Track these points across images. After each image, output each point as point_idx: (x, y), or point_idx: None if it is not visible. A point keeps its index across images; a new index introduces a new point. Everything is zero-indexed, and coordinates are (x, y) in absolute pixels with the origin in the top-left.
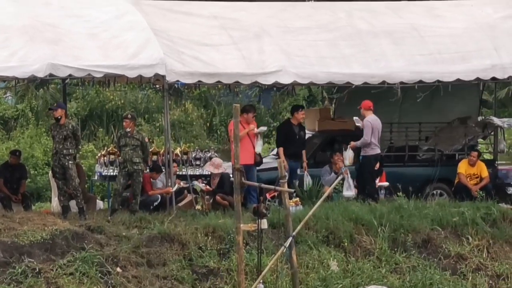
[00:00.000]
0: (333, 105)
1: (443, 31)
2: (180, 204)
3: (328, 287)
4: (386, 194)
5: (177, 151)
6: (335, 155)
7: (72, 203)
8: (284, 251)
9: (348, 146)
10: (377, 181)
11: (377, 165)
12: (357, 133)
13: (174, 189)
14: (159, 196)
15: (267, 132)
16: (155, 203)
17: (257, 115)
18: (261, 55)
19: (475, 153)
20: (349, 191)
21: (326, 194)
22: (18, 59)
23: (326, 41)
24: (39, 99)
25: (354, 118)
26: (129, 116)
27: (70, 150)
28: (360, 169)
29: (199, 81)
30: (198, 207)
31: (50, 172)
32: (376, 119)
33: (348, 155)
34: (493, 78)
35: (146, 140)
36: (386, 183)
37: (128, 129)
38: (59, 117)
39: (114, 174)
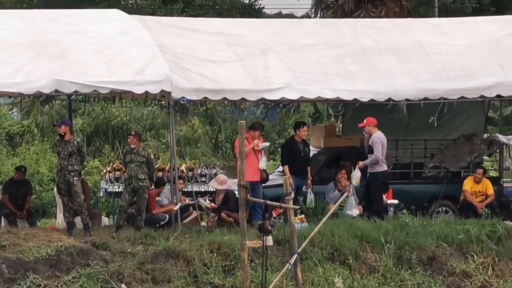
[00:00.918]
0: (339, 122)
1: (448, 49)
2: (185, 221)
3: None
4: (395, 211)
5: (183, 167)
6: (339, 173)
7: (77, 220)
8: (289, 268)
9: (357, 166)
10: (385, 198)
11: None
12: (363, 150)
13: (177, 207)
14: (167, 216)
15: (272, 148)
16: (162, 222)
17: (264, 132)
18: (266, 72)
19: (480, 171)
20: (352, 210)
21: (331, 212)
22: (24, 75)
23: (331, 58)
24: (45, 115)
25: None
26: (133, 132)
27: (75, 167)
28: (368, 186)
29: (205, 97)
30: (203, 223)
31: (55, 188)
32: (383, 135)
33: (356, 175)
34: (498, 96)
35: (152, 156)
36: (395, 201)
37: (132, 146)
38: (63, 134)
39: (120, 190)
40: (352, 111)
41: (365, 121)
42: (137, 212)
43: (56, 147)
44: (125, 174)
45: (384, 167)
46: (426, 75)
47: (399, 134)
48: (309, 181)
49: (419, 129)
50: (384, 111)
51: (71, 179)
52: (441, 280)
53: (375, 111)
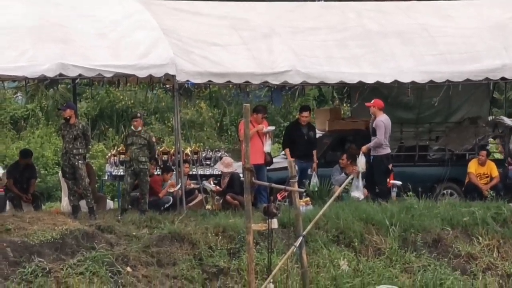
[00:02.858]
0: (344, 105)
1: (453, 31)
2: (190, 204)
3: (339, 286)
4: (399, 193)
5: (188, 151)
6: (342, 159)
7: (82, 203)
8: (295, 250)
9: (361, 152)
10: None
11: (391, 166)
12: (368, 132)
13: (178, 187)
14: (171, 198)
15: (277, 132)
16: (167, 205)
17: (268, 115)
18: (270, 55)
19: (483, 152)
20: (357, 192)
21: (336, 194)
22: (28, 59)
23: (335, 41)
24: (49, 99)
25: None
26: (138, 114)
27: (80, 150)
28: (371, 169)
29: (209, 81)
30: (208, 206)
31: (60, 172)
32: (387, 118)
33: (362, 161)
34: (503, 78)
35: (153, 139)
36: (399, 182)
37: (139, 128)
38: (68, 117)
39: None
40: (360, 95)
41: (372, 102)
42: (140, 195)
43: (61, 130)
44: (127, 156)
45: (387, 150)
46: (431, 58)
47: (408, 116)
48: (314, 165)
49: (431, 114)
50: (393, 95)
51: (76, 163)
52: (446, 262)
53: (384, 94)
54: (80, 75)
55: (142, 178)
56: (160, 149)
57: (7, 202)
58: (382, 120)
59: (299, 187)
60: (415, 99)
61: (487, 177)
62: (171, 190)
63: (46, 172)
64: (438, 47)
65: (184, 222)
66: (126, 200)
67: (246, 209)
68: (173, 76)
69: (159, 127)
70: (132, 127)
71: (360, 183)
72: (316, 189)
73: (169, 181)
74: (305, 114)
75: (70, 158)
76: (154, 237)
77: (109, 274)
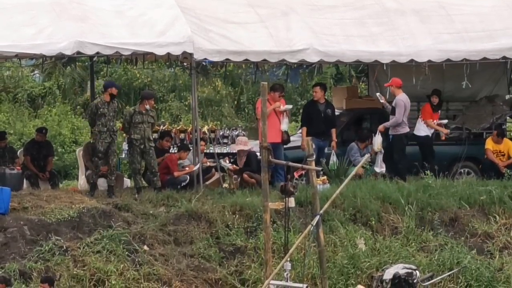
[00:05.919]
0: (360, 83)
1: (471, 10)
2: (207, 183)
3: (356, 265)
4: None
5: (205, 129)
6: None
7: (100, 181)
8: (311, 229)
9: (378, 131)
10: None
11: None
12: (384, 111)
13: (197, 167)
14: (188, 177)
15: (294, 110)
16: (183, 183)
17: (285, 93)
18: (288, 33)
19: (495, 132)
20: (380, 167)
21: (353, 173)
22: (46, 37)
23: (353, 20)
24: (66, 77)
25: (377, 94)
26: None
27: (115, 127)
28: (391, 148)
29: (227, 59)
30: (225, 185)
31: (77, 150)
32: (406, 97)
33: (377, 140)
34: None
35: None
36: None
37: (153, 108)
38: (115, 94)
39: None
40: (379, 74)
41: (390, 81)
42: (152, 174)
43: (97, 109)
44: (136, 134)
45: (406, 129)
46: (448, 36)
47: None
48: (333, 143)
49: (455, 91)
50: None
51: (115, 139)
52: (463, 241)
53: (406, 71)
54: (97, 53)
55: (152, 156)
56: (177, 127)
57: (24, 180)
58: (402, 99)
59: (316, 165)
60: (438, 78)
61: (503, 155)
62: (189, 170)
63: (63, 150)
64: (455, 26)
65: (201, 200)
66: (139, 179)
67: (263, 188)
68: (191, 54)
69: (176, 105)
70: (147, 106)
71: (381, 157)
72: (335, 168)
73: (187, 165)
74: (315, 89)
75: (111, 135)
76: (171, 216)
77: (126, 252)
